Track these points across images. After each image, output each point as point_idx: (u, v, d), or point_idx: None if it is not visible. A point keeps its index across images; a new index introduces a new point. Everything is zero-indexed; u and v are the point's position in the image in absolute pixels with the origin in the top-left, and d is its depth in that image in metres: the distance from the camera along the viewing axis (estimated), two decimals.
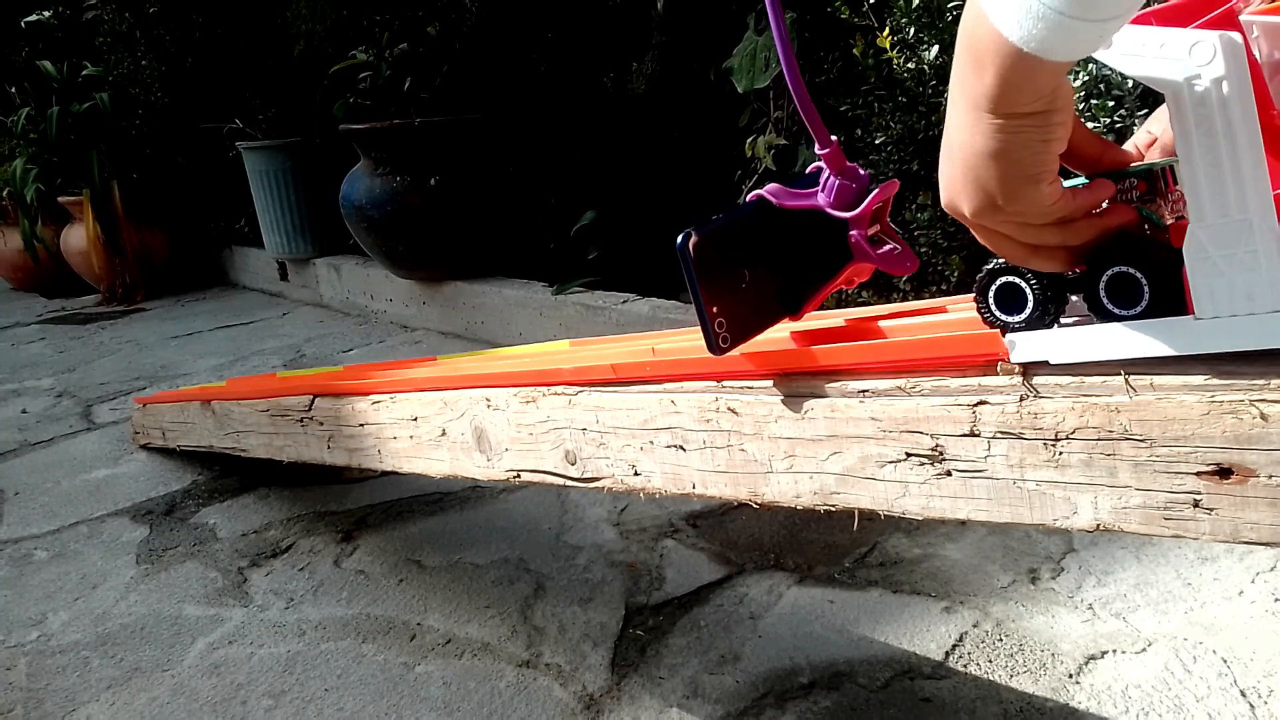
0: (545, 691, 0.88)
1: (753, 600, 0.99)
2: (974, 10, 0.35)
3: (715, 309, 0.51)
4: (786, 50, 0.48)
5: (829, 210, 0.52)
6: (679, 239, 0.50)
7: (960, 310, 0.57)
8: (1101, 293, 0.42)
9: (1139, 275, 0.40)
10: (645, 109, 1.99)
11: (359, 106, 2.24)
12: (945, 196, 0.41)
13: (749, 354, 0.56)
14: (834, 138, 0.50)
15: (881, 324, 0.56)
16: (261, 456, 1.15)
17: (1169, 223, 0.41)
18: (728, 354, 0.53)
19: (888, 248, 0.52)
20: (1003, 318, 0.45)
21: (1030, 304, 0.44)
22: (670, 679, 0.88)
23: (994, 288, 0.45)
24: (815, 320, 0.63)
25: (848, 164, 0.51)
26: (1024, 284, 0.44)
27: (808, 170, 0.53)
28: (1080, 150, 0.41)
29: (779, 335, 0.58)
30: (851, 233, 0.52)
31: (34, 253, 3.07)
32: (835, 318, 0.64)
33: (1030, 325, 0.44)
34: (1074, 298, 0.45)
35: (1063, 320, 0.45)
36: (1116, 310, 0.41)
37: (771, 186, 0.53)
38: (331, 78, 2.32)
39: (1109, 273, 0.41)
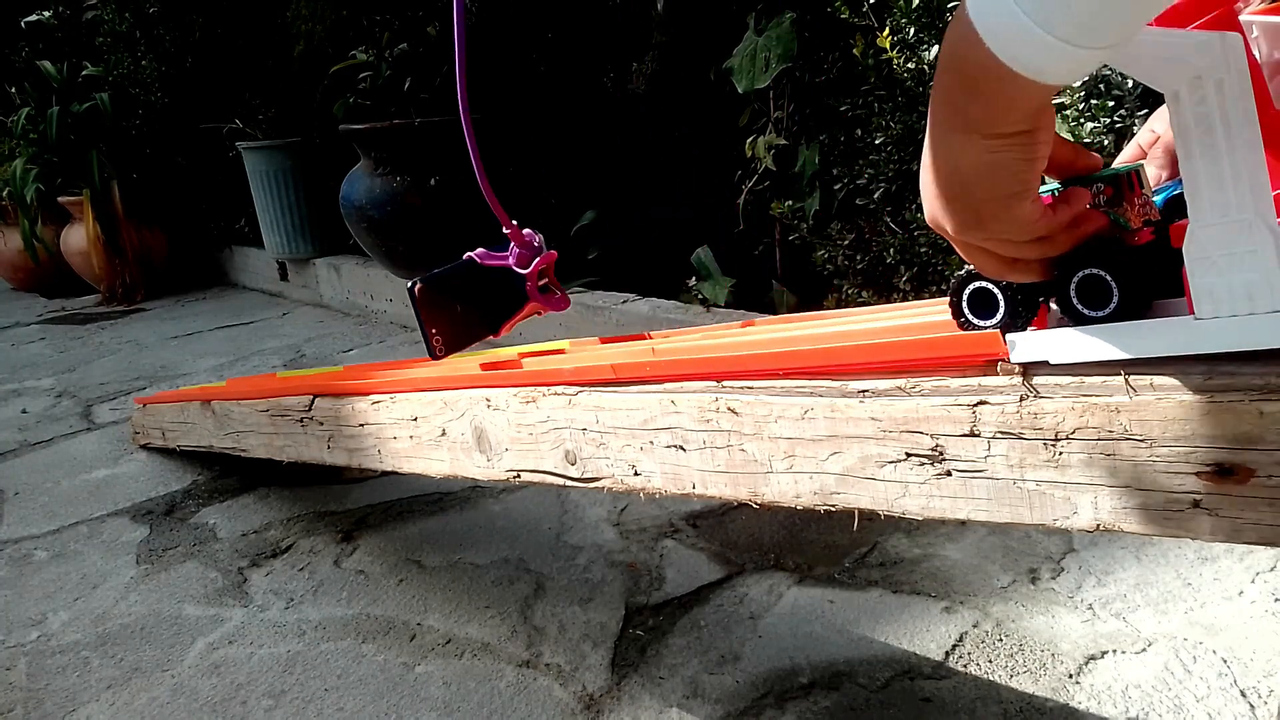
0: (545, 691, 0.88)
1: (753, 600, 0.99)
2: (962, 32, 0.34)
3: (434, 330, 0.71)
4: (467, 121, 0.67)
5: (514, 268, 0.75)
6: (409, 284, 0.70)
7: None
8: (1072, 295, 0.42)
9: (1107, 277, 0.41)
10: (645, 109, 1.99)
11: (359, 106, 2.24)
12: (929, 214, 0.41)
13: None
14: (514, 222, 0.73)
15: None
16: (261, 456, 1.15)
17: (1136, 226, 0.42)
18: (443, 359, 0.73)
19: (550, 294, 0.77)
20: (976, 322, 0.47)
21: (1002, 308, 0.45)
22: (670, 679, 0.88)
23: (967, 293, 0.47)
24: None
25: (524, 237, 0.75)
26: (995, 289, 0.45)
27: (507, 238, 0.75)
28: (1053, 157, 0.41)
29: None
30: (527, 283, 0.75)
31: (34, 253, 3.06)
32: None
33: (1003, 329, 0.46)
34: (1051, 305, 0.46)
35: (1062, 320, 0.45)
36: (1087, 312, 0.42)
37: (478, 250, 0.75)
38: (331, 78, 2.32)
39: (1079, 275, 0.42)
